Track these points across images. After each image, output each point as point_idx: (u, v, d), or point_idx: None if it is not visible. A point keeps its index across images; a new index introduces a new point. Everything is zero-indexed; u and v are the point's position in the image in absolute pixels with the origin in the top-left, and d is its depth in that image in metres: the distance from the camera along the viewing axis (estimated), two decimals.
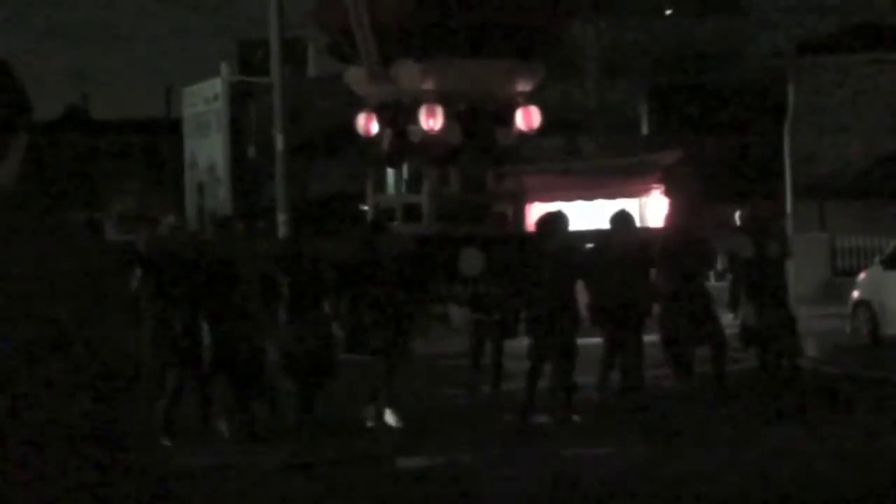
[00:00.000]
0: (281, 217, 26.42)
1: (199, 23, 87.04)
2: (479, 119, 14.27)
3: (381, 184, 20.70)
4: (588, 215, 20.17)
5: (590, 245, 14.25)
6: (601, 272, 13.18)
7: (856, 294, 18.95)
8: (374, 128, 14.79)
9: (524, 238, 14.95)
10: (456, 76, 14.14)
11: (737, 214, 14.53)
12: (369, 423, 12.76)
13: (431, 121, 13.96)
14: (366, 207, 33.95)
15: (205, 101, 39.69)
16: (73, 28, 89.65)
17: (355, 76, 15.18)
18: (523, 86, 14.54)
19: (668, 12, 38.59)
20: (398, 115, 14.63)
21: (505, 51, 14.36)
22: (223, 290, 12.40)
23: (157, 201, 40.45)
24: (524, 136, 14.57)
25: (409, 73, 14.26)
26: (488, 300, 13.79)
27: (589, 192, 23.06)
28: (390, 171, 24.96)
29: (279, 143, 26.66)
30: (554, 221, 13.32)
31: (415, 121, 14.35)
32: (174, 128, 45.18)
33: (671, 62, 35.99)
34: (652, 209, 27.61)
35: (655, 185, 24.68)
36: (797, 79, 28.60)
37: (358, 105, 19.41)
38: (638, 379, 13.34)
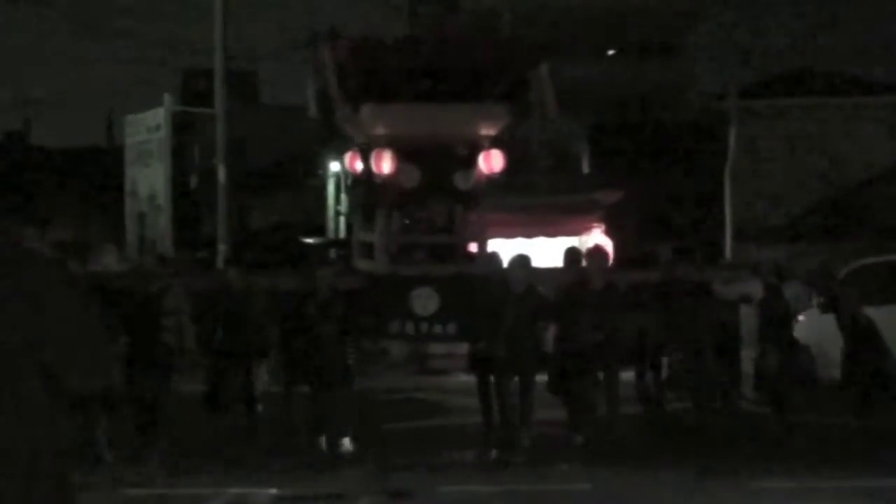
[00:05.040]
0: (221, 248, 26.36)
1: (146, 51, 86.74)
2: (435, 162, 14.28)
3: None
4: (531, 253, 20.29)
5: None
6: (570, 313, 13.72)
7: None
8: (359, 166, 14.90)
9: (484, 278, 14.68)
10: (408, 121, 14.15)
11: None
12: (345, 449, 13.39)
13: (383, 164, 14.04)
14: (309, 240, 33.92)
15: (147, 130, 39.46)
16: (13, 53, 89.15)
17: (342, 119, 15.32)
18: (486, 129, 14.49)
19: (610, 52, 38.92)
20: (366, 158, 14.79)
21: (466, 95, 14.33)
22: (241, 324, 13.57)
23: (96, 229, 40.19)
24: (488, 179, 14.54)
25: (366, 118, 14.36)
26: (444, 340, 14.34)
27: (529, 229, 23.16)
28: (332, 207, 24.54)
29: (221, 174, 26.62)
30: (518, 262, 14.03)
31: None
32: (115, 156, 44.90)
33: (613, 102, 36.28)
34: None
35: (596, 224, 24.82)
36: (737, 122, 28.91)
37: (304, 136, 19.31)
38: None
